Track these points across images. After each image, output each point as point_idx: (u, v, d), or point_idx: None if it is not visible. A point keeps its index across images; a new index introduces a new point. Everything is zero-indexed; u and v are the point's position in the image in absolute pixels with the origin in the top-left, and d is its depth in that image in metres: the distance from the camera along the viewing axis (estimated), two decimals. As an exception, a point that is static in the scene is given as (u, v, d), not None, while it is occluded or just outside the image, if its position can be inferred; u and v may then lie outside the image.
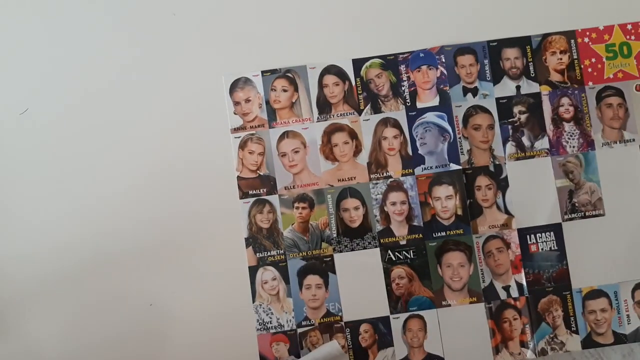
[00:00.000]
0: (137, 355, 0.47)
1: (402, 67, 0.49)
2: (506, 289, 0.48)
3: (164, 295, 0.47)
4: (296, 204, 0.48)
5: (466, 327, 0.47)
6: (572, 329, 0.47)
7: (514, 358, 0.47)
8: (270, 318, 0.47)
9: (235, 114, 0.49)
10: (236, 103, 0.49)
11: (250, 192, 0.48)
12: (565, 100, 0.49)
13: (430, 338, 0.47)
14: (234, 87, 0.49)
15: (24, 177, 0.48)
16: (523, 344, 0.47)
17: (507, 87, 0.49)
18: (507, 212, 0.48)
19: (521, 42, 0.49)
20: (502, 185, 0.48)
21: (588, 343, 0.47)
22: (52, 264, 0.47)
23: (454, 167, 0.48)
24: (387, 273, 0.48)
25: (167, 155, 0.48)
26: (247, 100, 0.49)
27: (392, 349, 0.47)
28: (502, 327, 0.47)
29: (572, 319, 0.48)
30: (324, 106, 0.49)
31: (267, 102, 0.49)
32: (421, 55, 0.49)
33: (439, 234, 0.48)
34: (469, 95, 0.49)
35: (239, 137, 0.48)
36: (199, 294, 0.47)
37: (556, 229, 0.48)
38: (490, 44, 0.49)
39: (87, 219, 0.48)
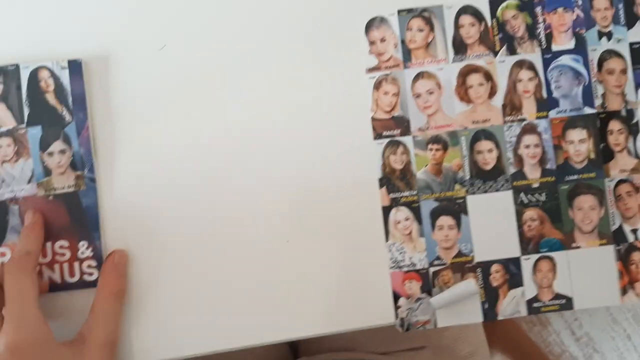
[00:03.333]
0: (269, 289, 0.48)
1: (538, 9, 0.48)
2: (634, 232, 0.48)
3: (299, 232, 0.48)
4: (430, 146, 0.48)
5: (595, 268, 0.48)
6: (698, 271, 0.49)
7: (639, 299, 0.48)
8: (403, 257, 0.48)
9: (370, 53, 0.48)
10: (371, 43, 0.48)
11: (384, 133, 0.48)
12: (699, 46, 0.49)
13: (560, 279, 0.48)
14: (369, 26, 0.48)
15: (162, 114, 0.48)
16: (649, 286, 0.48)
17: (641, 32, 0.49)
18: (637, 156, 0.49)
19: (656, -14, 0.49)
20: (633, 130, 0.49)
21: None
22: (178, 196, 0.48)
23: (588, 110, 0.48)
24: (519, 215, 0.48)
25: (302, 95, 0.48)
26: (383, 40, 0.48)
27: (521, 289, 0.48)
28: (630, 269, 0.48)
29: (698, 262, 0.49)
30: (460, 47, 0.48)
31: (403, 42, 0.48)
32: (558, -4, 0.48)
33: (571, 177, 0.48)
34: (604, 39, 0.49)
35: (374, 77, 0.48)
36: (333, 232, 0.48)
37: (686, 174, 0.49)
38: (626, -13, 0.49)
39: (223, 155, 0.48)
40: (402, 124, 0.48)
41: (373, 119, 0.48)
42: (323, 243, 0.48)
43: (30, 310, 0.41)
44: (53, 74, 0.47)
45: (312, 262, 0.48)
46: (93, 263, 0.47)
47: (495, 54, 0.49)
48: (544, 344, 1.23)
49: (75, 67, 0.47)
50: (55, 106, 0.47)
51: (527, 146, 0.48)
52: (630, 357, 1.23)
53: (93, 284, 0.47)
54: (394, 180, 0.48)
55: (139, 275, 0.47)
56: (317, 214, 0.48)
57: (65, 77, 0.47)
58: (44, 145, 0.47)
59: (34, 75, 0.47)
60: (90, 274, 0.47)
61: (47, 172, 0.47)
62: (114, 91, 0.48)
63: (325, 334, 0.48)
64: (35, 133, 0.47)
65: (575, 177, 0.48)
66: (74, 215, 0.47)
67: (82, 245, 0.47)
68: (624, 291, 0.48)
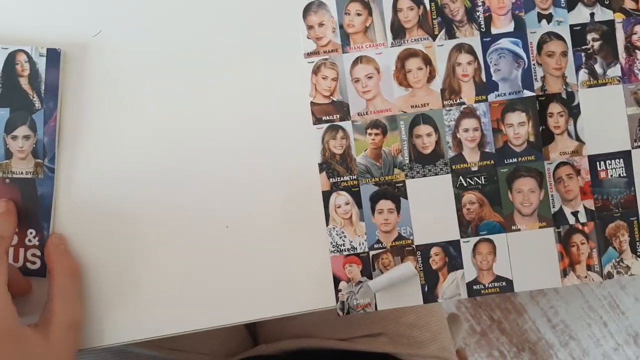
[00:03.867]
0: (214, 275, 0.48)
1: (477, -8, 0.48)
2: (575, 214, 0.49)
3: (240, 218, 0.48)
4: (369, 130, 0.48)
5: (535, 251, 0.49)
6: (638, 253, 0.49)
7: (581, 281, 0.49)
8: (344, 241, 0.48)
9: (308, 38, 0.48)
10: (309, 27, 0.48)
11: (324, 118, 0.48)
12: (639, 28, 0.49)
13: (500, 261, 0.49)
14: (307, 10, 0.48)
15: (96, 103, 0.48)
16: (590, 268, 0.49)
17: (581, 14, 0.49)
18: (578, 139, 0.49)
19: (596, -32, 0.49)
20: (574, 112, 0.49)
21: (652, 267, 0.49)
22: (122, 194, 0.48)
23: (527, 93, 0.48)
24: (458, 199, 0.49)
25: (241, 81, 0.48)
26: (321, 25, 0.48)
27: (461, 272, 0.49)
28: (570, 252, 0.49)
29: (638, 244, 0.49)
30: (398, 31, 0.48)
31: (341, 27, 0.48)
32: (497, -21, 0.48)
33: (511, 160, 0.48)
34: (544, 21, 0.49)
35: (313, 61, 0.48)
36: (273, 217, 0.48)
37: (625, 156, 0.49)
38: (566, -31, 0.48)
39: (162, 145, 0.48)
40: (342, 109, 0.48)
41: (312, 104, 0.48)
42: (263, 228, 0.48)
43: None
44: (30, 59, 0.47)
45: (252, 247, 0.48)
46: (37, 252, 0.47)
47: (434, 38, 0.48)
48: (520, 331, 1.24)
49: (53, 55, 0.47)
50: (27, 91, 0.47)
51: (466, 130, 0.48)
52: (606, 344, 1.24)
53: (35, 272, 0.47)
54: (334, 165, 0.48)
55: (95, 264, 0.48)
56: (257, 199, 0.48)
57: (42, 64, 0.47)
58: (10, 128, 0.47)
59: (11, 58, 0.47)
60: (34, 263, 0.47)
61: (8, 155, 0.47)
62: (88, 85, 0.47)
63: (265, 319, 0.48)
64: (2, 114, 0.47)
65: (515, 160, 0.49)
66: (28, 202, 0.47)
67: (30, 233, 0.47)
68: (564, 273, 0.49)
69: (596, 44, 0.49)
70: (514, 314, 1.24)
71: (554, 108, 0.49)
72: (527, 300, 1.24)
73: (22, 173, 0.47)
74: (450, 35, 0.48)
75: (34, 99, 0.47)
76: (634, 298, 1.24)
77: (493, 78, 0.48)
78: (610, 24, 0.49)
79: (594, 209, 0.49)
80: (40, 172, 0.47)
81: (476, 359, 1.22)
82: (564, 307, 1.24)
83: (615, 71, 0.49)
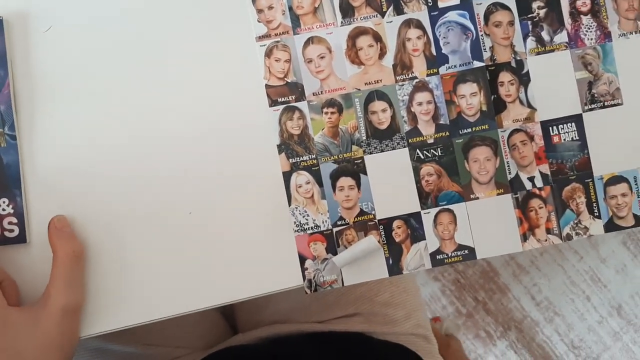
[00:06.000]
0: (180, 262, 0.48)
1: (422, -33, 0.49)
2: (531, 179, 0.50)
3: (203, 203, 0.48)
4: (325, 109, 0.49)
5: (494, 217, 0.49)
6: (595, 214, 0.50)
7: (541, 244, 0.50)
8: (307, 220, 0.49)
9: (259, 22, 0.49)
10: (259, 11, 0.49)
11: (279, 99, 0.49)
12: (582, -6, 0.50)
13: (461, 230, 0.49)
14: (256, -5, 0.49)
15: (50, 99, 0.48)
16: (549, 231, 0.50)
17: (525, -17, 0.50)
18: (529, 105, 0.50)
19: (538, -62, 0.50)
20: (524, 80, 0.50)
21: (610, 227, 0.50)
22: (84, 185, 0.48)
23: (477, 64, 0.49)
24: (416, 171, 0.49)
25: (195, 68, 0.48)
26: (270, 8, 0.49)
27: (424, 242, 0.49)
28: (529, 216, 0.50)
29: (594, 204, 0.50)
30: (347, 10, 0.49)
31: (290, 9, 0.49)
32: (440, -46, 0.49)
33: (465, 130, 0.49)
34: (489, -8, 0.50)
35: (265, 45, 0.49)
36: (236, 200, 0.49)
37: (577, 120, 0.50)
38: (508, -60, 0.49)
39: (117, 137, 0.48)
40: (296, 90, 0.49)
41: (267, 87, 0.49)
42: (227, 212, 0.49)
43: None
44: None
45: (217, 232, 0.49)
46: (14, 220, 0.47)
47: (383, 14, 0.49)
48: (505, 310, 1.25)
49: None
50: None
51: (420, 103, 0.49)
52: (591, 318, 1.26)
53: (14, 240, 0.47)
54: (293, 145, 0.49)
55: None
56: (219, 183, 0.49)
57: None
58: None
59: None
60: (11, 231, 0.47)
61: (-34, 127, 0.47)
62: (36, 49, 0.48)
63: (235, 301, 0.49)
64: (-46, 85, 0.47)
65: (469, 130, 0.49)
66: (-5, 173, 0.47)
67: (3, 202, 0.47)
68: (524, 238, 0.50)
69: (542, 12, 0.50)
70: (498, 294, 1.26)
71: (504, 77, 0.50)
72: (510, 280, 1.25)
73: None
74: (399, 11, 0.49)
75: None
76: (615, 270, 1.26)
77: (443, 51, 0.49)
78: (554, -9, 0.50)
79: (549, 173, 0.50)
80: (2, 141, 0.47)
81: (463, 341, 1.23)
82: (547, 284, 1.25)
83: (562, 37, 0.50)
